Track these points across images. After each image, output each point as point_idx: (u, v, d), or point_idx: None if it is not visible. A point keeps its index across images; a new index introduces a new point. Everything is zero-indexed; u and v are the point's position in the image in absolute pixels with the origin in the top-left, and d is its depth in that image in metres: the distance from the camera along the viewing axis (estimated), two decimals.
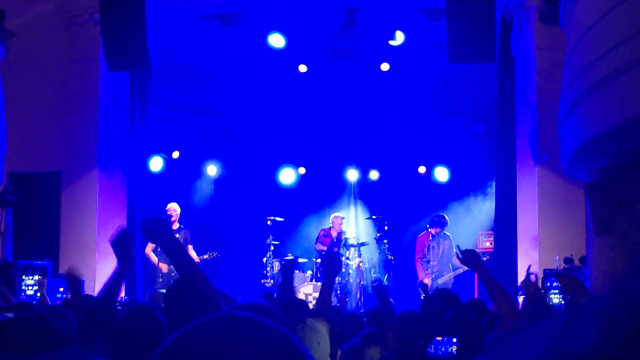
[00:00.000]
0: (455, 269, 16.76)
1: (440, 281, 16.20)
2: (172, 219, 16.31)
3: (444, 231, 16.84)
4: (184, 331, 1.41)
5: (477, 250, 16.63)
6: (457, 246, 6.74)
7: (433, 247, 16.73)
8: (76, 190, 15.26)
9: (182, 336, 1.41)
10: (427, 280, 16.22)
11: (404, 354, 5.62)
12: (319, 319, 4.67)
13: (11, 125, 14.47)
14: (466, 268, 16.62)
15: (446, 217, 17.06)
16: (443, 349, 5.14)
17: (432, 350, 5.15)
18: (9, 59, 14.84)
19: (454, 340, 5.14)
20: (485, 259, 16.51)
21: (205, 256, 16.08)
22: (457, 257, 6.68)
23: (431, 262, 16.67)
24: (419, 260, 16.54)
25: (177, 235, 15.89)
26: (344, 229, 18.15)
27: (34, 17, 15.56)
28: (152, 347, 1.43)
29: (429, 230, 16.85)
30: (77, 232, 15.12)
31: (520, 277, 14.08)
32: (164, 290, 13.28)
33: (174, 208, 16.44)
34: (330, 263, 6.84)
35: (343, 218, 18.13)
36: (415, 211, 19.52)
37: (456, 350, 5.14)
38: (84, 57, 15.38)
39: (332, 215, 18.05)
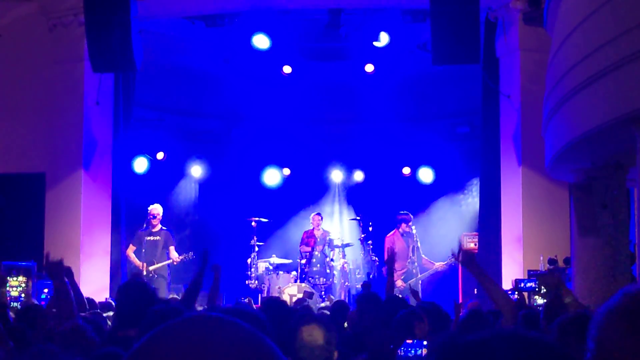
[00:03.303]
0: (423, 270, 16.81)
1: (411, 282, 16.19)
2: (154, 221, 16.29)
3: (409, 227, 16.85)
4: (156, 332, 1.43)
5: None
6: (454, 252, 6.77)
7: (402, 246, 16.68)
8: (61, 191, 15.22)
9: (154, 337, 1.42)
10: (399, 283, 16.21)
11: (374, 357, 5.64)
12: (313, 325, 4.73)
13: None
14: (433, 270, 16.80)
15: (409, 213, 17.12)
16: (413, 352, 5.12)
17: (402, 353, 5.14)
18: None
19: (424, 343, 5.12)
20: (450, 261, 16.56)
21: (182, 257, 16.07)
22: (453, 255, 6.72)
23: (399, 262, 16.62)
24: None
25: (158, 238, 15.96)
26: (327, 229, 18.16)
27: (18, 17, 15.51)
28: None
29: (398, 229, 16.90)
30: (61, 233, 15.07)
31: (505, 278, 14.13)
32: None
33: (156, 209, 16.41)
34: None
35: (321, 216, 18.12)
36: (399, 212, 19.53)
37: (426, 353, 5.12)
38: (69, 58, 15.34)
39: (311, 215, 18.08)
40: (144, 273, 15.78)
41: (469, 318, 7.18)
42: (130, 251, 16.16)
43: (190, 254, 16.08)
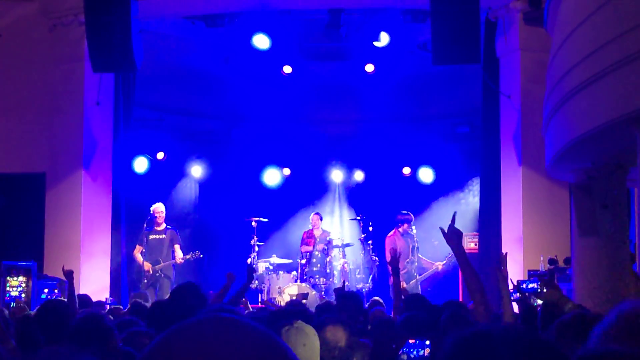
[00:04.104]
0: (422, 270, 16.77)
1: (412, 283, 16.18)
2: (158, 219, 16.30)
3: (411, 228, 16.82)
4: (170, 332, 1.44)
5: None
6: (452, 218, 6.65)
7: (403, 246, 16.65)
8: (61, 191, 15.22)
9: (169, 337, 1.43)
10: (403, 285, 16.18)
11: (376, 357, 5.62)
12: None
13: None
14: (433, 270, 16.77)
15: (410, 213, 17.08)
16: (415, 352, 5.10)
17: (405, 354, 5.12)
18: None
19: (427, 342, 5.11)
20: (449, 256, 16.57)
21: (188, 256, 16.09)
22: (442, 232, 6.62)
23: (400, 262, 16.57)
24: None
25: (164, 236, 15.95)
26: (327, 229, 18.15)
27: (19, 17, 15.51)
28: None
29: (398, 229, 16.86)
30: (61, 233, 15.08)
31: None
32: (147, 291, 13.28)
33: (159, 208, 16.42)
34: None
35: (320, 216, 18.10)
36: (400, 212, 19.53)
37: (429, 353, 5.11)
38: (69, 58, 15.35)
39: (310, 215, 18.08)
40: (150, 273, 15.80)
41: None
42: (137, 252, 16.16)
43: (197, 252, 16.09)
